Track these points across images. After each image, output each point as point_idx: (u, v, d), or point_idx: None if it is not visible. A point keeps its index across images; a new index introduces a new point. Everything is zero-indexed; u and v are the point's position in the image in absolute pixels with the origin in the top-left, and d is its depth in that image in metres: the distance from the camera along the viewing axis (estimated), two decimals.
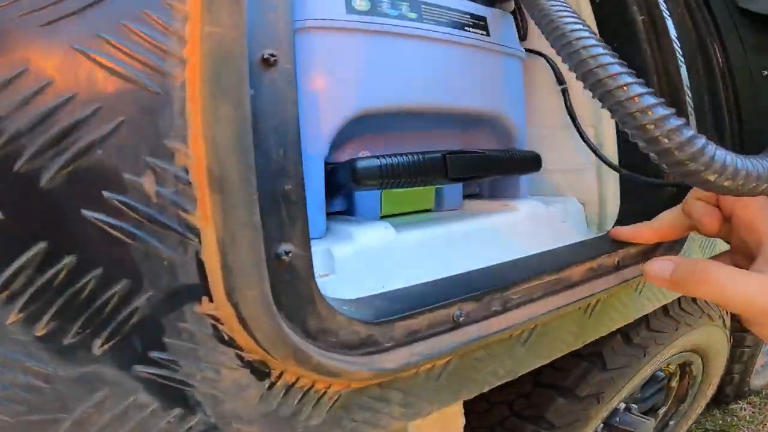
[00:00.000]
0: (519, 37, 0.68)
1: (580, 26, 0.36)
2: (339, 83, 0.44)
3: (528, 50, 0.65)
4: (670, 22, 0.56)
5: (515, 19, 0.69)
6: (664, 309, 0.83)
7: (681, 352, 0.97)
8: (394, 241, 0.44)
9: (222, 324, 0.26)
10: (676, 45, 0.56)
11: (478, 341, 0.37)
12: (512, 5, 0.65)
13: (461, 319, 0.36)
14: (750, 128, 0.56)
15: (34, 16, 0.21)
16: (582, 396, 0.74)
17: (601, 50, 0.35)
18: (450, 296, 0.36)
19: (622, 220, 0.58)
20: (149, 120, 0.23)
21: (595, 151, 0.57)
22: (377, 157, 0.43)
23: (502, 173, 0.53)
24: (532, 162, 0.55)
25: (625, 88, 0.33)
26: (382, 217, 0.52)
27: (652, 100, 0.33)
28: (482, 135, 0.59)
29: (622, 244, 0.49)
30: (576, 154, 0.62)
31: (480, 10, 0.55)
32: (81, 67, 0.22)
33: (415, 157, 0.44)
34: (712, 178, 0.32)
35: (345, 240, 0.42)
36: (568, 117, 0.60)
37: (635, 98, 0.33)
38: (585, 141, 0.58)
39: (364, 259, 0.41)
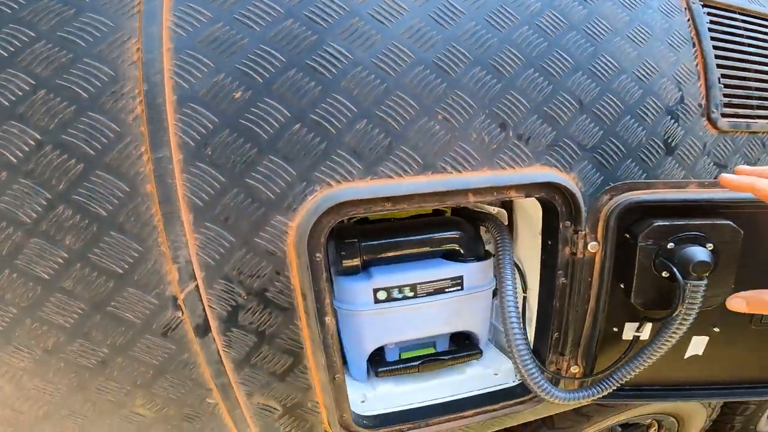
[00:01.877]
0: None
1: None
2: (370, 335, 0.96)
3: None
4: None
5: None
6: None
7: (651, 413, 1.34)
8: (394, 389, 1.00)
9: None
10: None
11: None
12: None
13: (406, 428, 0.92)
14: None
15: None
16: None
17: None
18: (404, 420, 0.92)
19: None
20: None
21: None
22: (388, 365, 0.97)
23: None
24: (472, 356, 1.01)
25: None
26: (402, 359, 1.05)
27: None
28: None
29: (506, 401, 0.97)
30: None
31: (458, 270, 0.96)
32: None
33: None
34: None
35: (372, 388, 1.00)
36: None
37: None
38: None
39: (380, 397, 0.99)
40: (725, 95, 1.00)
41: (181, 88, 0.70)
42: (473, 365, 1.04)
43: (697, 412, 1.38)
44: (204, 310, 0.74)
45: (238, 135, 0.71)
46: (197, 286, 0.73)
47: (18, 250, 0.68)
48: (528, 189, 0.85)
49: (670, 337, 0.80)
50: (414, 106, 0.78)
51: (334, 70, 0.74)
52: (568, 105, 0.87)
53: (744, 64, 1.04)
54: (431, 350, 1.05)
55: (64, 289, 0.69)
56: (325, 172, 0.74)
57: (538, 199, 0.89)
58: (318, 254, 0.75)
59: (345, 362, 1.04)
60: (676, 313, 0.78)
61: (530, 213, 0.99)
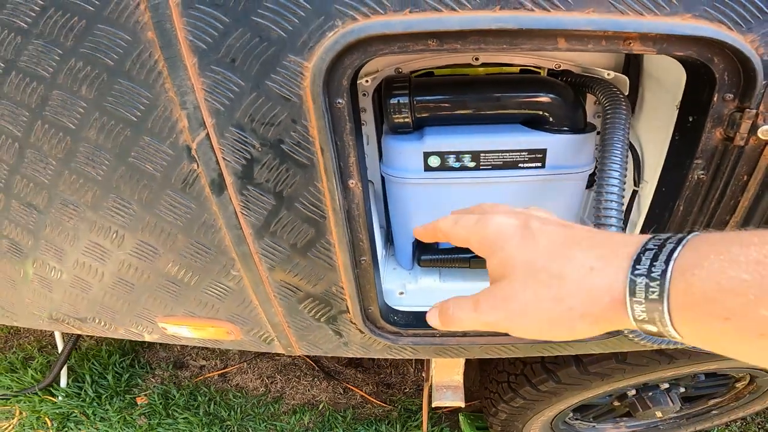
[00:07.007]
0: None
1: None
2: (417, 211, 0.85)
3: None
4: None
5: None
6: None
7: (749, 367, 1.12)
8: (439, 285, 0.90)
9: None
10: None
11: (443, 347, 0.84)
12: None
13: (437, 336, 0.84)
14: None
15: None
16: (591, 372, 1.06)
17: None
18: None
19: None
20: None
21: None
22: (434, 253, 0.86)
23: None
24: None
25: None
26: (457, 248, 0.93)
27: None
28: None
29: None
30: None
31: (541, 141, 0.76)
32: None
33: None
34: None
35: (414, 279, 0.92)
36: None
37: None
38: None
39: (421, 291, 0.90)
40: None
41: None
42: None
43: None
44: (218, 162, 0.69)
45: None
46: (208, 134, 0.68)
47: (44, 102, 0.69)
48: (664, 43, 0.58)
49: None
50: None
51: None
52: None
53: None
54: None
55: (89, 138, 0.70)
56: (348, 3, 0.59)
57: (681, 60, 0.63)
58: (340, 99, 0.63)
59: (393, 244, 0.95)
60: None
61: (664, 79, 0.73)
